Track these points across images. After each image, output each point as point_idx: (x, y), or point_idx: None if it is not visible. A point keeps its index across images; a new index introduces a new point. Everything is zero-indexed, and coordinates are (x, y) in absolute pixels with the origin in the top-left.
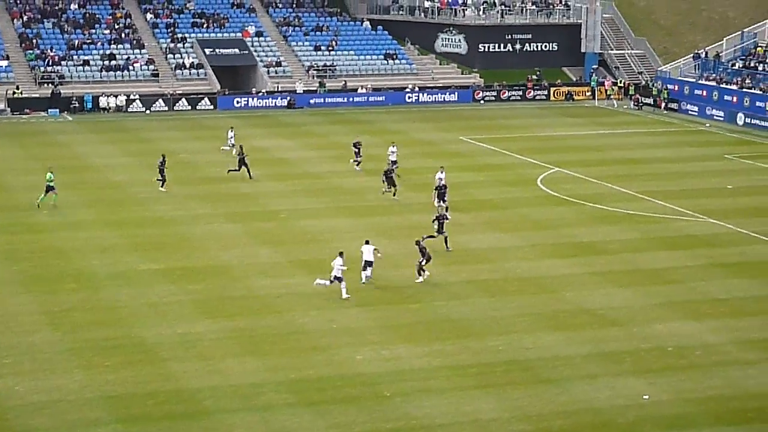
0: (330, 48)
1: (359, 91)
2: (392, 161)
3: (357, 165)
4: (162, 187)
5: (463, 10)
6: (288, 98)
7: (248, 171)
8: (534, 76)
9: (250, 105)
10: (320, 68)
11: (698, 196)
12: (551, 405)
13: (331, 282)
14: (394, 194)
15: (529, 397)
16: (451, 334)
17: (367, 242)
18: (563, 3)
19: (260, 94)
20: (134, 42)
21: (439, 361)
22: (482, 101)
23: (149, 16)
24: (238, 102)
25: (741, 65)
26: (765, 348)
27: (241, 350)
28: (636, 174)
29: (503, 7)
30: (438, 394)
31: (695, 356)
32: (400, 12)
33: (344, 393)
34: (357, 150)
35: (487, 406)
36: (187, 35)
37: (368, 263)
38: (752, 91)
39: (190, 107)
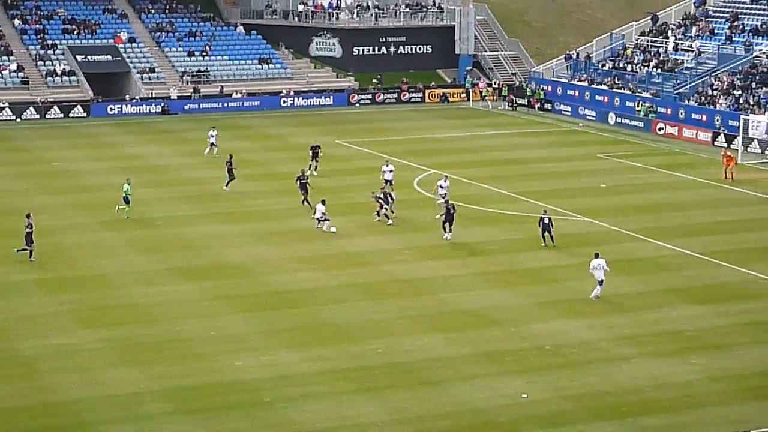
0: (204, 53)
1: (234, 96)
2: (387, 180)
3: (314, 170)
4: (226, 186)
5: (336, 13)
6: (162, 104)
7: (229, 179)
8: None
9: (124, 112)
10: (194, 74)
11: (573, 196)
12: (432, 406)
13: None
14: (388, 216)
15: (409, 400)
16: (331, 338)
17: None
18: (436, 5)
19: (134, 100)
20: (2, 49)
21: (319, 366)
22: (357, 104)
23: (17, 22)
24: (111, 109)
25: (611, 66)
26: (638, 343)
27: (119, 360)
28: (512, 174)
29: (377, 10)
30: (319, 399)
31: (572, 354)
32: (274, 16)
33: (225, 400)
34: (314, 153)
35: (368, 409)
36: (57, 42)
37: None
38: (622, 91)
39: (62, 115)
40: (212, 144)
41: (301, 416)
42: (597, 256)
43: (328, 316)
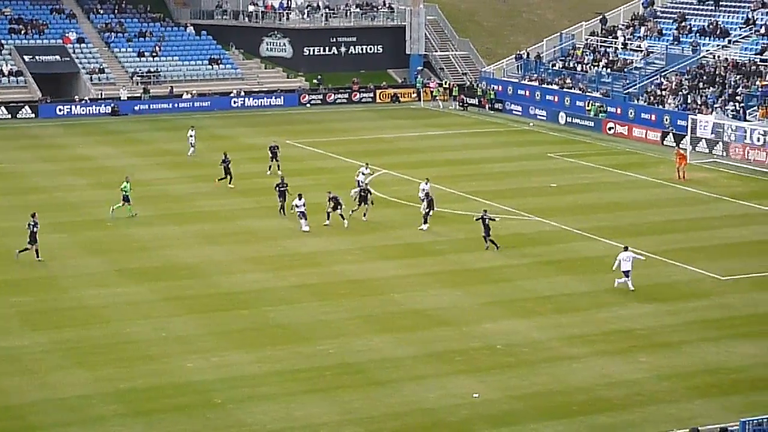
0: (154, 54)
1: (184, 96)
2: (361, 182)
3: (269, 169)
4: (230, 183)
5: (287, 13)
6: (112, 105)
7: (230, 177)
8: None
9: (73, 113)
10: (144, 74)
11: (524, 195)
12: (382, 407)
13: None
14: (364, 214)
15: (360, 400)
16: (281, 339)
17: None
18: (387, 6)
19: (83, 101)
20: None
21: (269, 367)
22: (308, 105)
23: None
24: (60, 110)
25: (561, 66)
26: (588, 342)
27: (68, 362)
28: (463, 174)
29: (327, 10)
30: (269, 400)
31: (523, 353)
32: (224, 17)
33: (175, 402)
34: (273, 153)
35: (319, 410)
36: (4, 42)
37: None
38: (572, 90)
39: (9, 116)
40: (192, 144)
41: (252, 417)
42: (626, 249)
43: (279, 317)
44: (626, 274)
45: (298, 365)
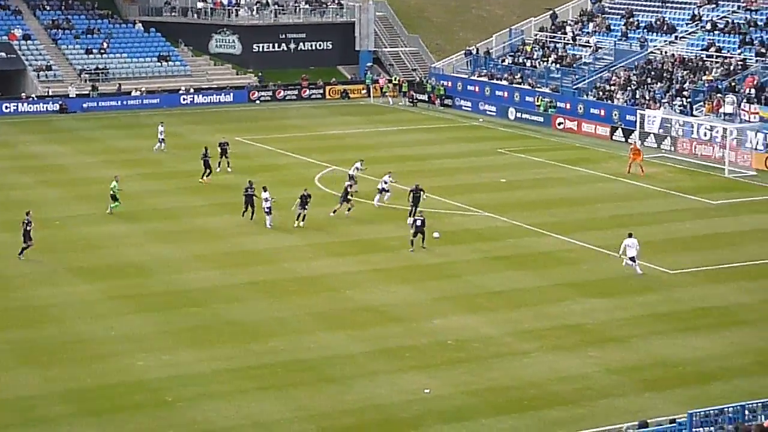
0: (102, 51)
1: (133, 93)
2: (350, 175)
3: (219, 165)
4: (203, 177)
5: (236, 10)
6: (60, 103)
7: (207, 171)
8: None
9: (20, 110)
10: (92, 72)
11: (474, 191)
12: (334, 403)
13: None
14: (347, 210)
15: (312, 397)
16: (232, 337)
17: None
18: (336, 2)
19: (31, 99)
20: None
21: (221, 364)
22: (258, 101)
23: None
24: (7, 107)
25: (510, 61)
26: (539, 337)
27: (17, 362)
28: (413, 170)
29: (276, 6)
30: (220, 398)
31: (474, 348)
32: (173, 13)
33: (126, 400)
34: (223, 150)
35: (270, 407)
36: None
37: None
38: (522, 86)
39: None
40: (162, 140)
41: (203, 415)
42: (630, 235)
43: (229, 315)
44: (633, 260)
45: (250, 362)
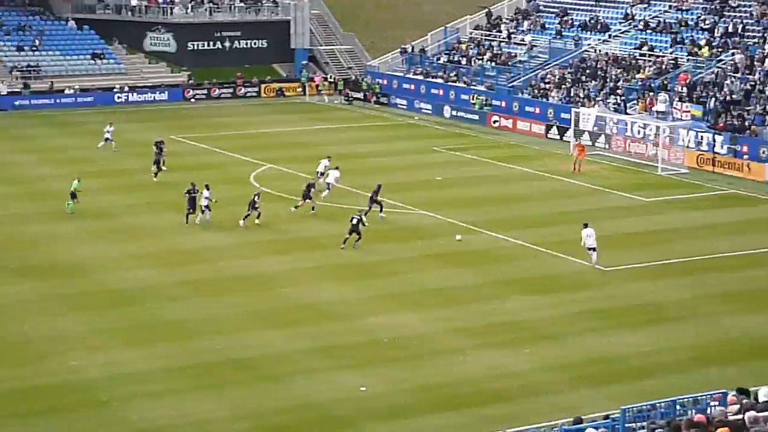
0: (34, 48)
1: (66, 92)
2: (320, 172)
3: (163, 165)
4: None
5: (170, 8)
6: None
7: (158, 169)
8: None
9: None
10: (24, 69)
11: (410, 189)
12: (271, 402)
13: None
14: (311, 207)
15: (249, 395)
16: (169, 336)
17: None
18: (272, 0)
19: None
20: None
21: (157, 364)
22: (193, 99)
23: None
24: None
25: (446, 59)
26: (475, 335)
27: None
28: (349, 168)
29: (211, 4)
30: (157, 397)
31: (410, 346)
32: (107, 11)
33: (60, 401)
34: (159, 149)
35: (207, 406)
36: None
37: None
38: (457, 84)
39: None
40: (107, 139)
41: (138, 414)
42: (586, 225)
43: (165, 314)
44: (592, 249)
45: (186, 362)
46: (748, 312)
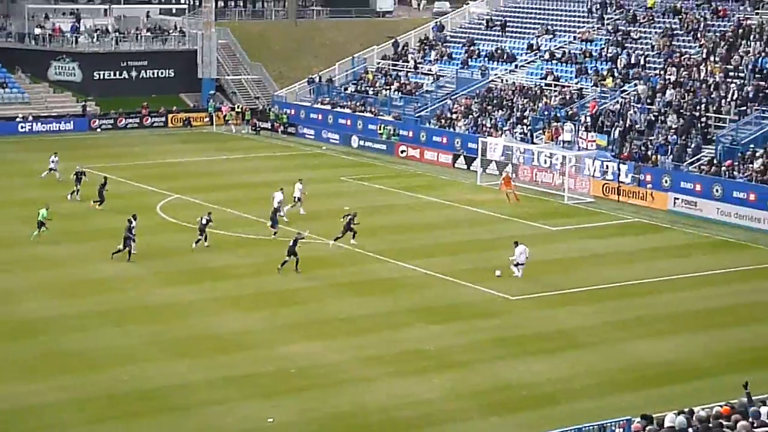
0: None
1: None
2: (297, 198)
3: (70, 194)
4: (99, 206)
5: (76, 37)
6: None
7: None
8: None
9: None
10: None
11: (316, 219)
12: None
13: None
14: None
15: (155, 427)
16: (74, 368)
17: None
18: (178, 30)
19: None
20: None
21: (61, 396)
22: (99, 129)
23: None
24: None
25: (353, 89)
26: (383, 363)
27: None
28: (256, 198)
29: (118, 34)
30: (63, 429)
31: (318, 376)
32: (9, 39)
33: None
34: (78, 179)
35: None
36: None
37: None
38: (365, 114)
39: None
40: (51, 169)
41: None
42: (517, 244)
43: (71, 345)
44: (518, 265)
45: (92, 393)
46: (652, 338)
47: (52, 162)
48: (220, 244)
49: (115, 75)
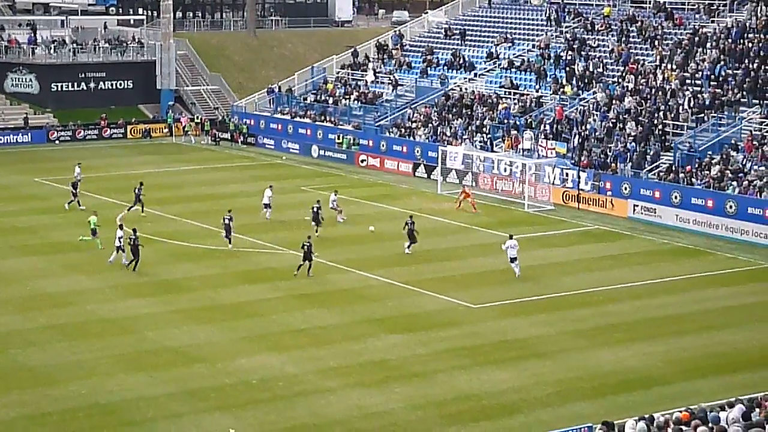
0: None
1: None
2: (265, 204)
3: (68, 204)
4: (131, 211)
5: (32, 48)
6: None
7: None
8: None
9: None
10: None
11: (277, 229)
12: None
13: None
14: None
15: None
16: (29, 383)
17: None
18: (137, 41)
19: None
20: None
21: (16, 412)
22: (57, 141)
23: None
24: None
25: (313, 99)
26: (344, 375)
27: None
28: (215, 209)
29: (75, 45)
30: None
31: (278, 387)
32: None
33: None
34: (75, 191)
35: None
36: None
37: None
38: (324, 124)
39: None
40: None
41: None
42: (511, 237)
43: (26, 360)
44: (513, 260)
45: (48, 408)
46: (612, 346)
47: (77, 174)
48: (179, 256)
49: (73, 86)
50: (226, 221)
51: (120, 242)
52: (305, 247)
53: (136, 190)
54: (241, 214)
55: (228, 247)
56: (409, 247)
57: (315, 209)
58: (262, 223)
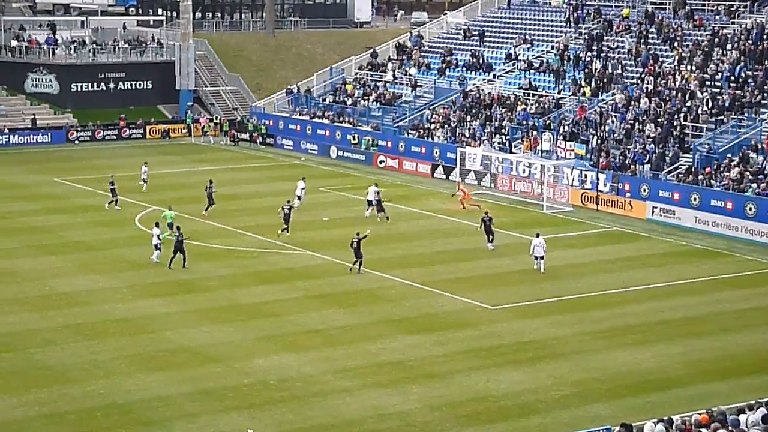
0: None
1: None
2: (297, 196)
3: (108, 204)
4: (205, 211)
5: (53, 49)
6: None
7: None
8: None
9: None
10: None
11: (295, 229)
12: None
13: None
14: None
15: None
16: (48, 382)
17: None
18: (156, 41)
19: None
20: None
21: (35, 411)
22: (77, 141)
23: None
24: None
25: (332, 100)
26: (360, 375)
27: None
28: (233, 210)
29: (95, 45)
30: None
31: (295, 388)
32: None
33: None
34: (112, 190)
35: None
36: None
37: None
38: (343, 124)
39: None
40: (144, 180)
41: None
42: (538, 236)
43: (45, 359)
44: (539, 258)
45: (66, 407)
46: (630, 347)
47: (144, 173)
48: (196, 256)
49: (92, 87)
50: (286, 210)
51: (159, 239)
52: (354, 243)
53: (207, 189)
54: (258, 215)
55: (287, 234)
56: (491, 242)
57: (376, 199)
58: (279, 223)
